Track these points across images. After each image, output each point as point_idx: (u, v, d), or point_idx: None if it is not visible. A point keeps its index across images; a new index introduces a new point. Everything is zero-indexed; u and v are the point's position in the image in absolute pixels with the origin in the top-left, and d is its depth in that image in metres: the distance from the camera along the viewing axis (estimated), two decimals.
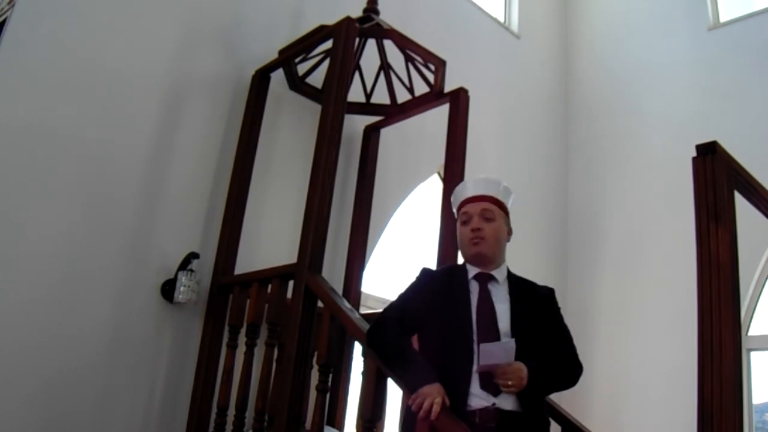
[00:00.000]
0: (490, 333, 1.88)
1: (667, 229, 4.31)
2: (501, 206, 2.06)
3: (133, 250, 2.79)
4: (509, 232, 2.10)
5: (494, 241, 2.01)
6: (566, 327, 2.05)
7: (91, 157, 2.73)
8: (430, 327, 1.98)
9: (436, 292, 1.99)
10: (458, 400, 1.80)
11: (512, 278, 2.06)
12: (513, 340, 1.84)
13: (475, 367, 1.84)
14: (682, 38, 4.84)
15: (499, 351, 1.81)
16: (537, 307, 2.00)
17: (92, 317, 2.63)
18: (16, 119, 2.56)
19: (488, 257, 2.01)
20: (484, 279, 2.00)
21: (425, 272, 2.10)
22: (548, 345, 1.97)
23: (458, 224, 2.08)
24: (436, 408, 1.70)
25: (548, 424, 1.95)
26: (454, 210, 2.14)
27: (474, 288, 1.99)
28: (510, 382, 1.79)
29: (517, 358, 1.83)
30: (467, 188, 2.10)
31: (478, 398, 1.82)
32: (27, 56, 2.62)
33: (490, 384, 1.81)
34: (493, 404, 1.81)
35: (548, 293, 2.07)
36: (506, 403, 1.81)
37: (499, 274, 2.03)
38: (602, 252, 4.70)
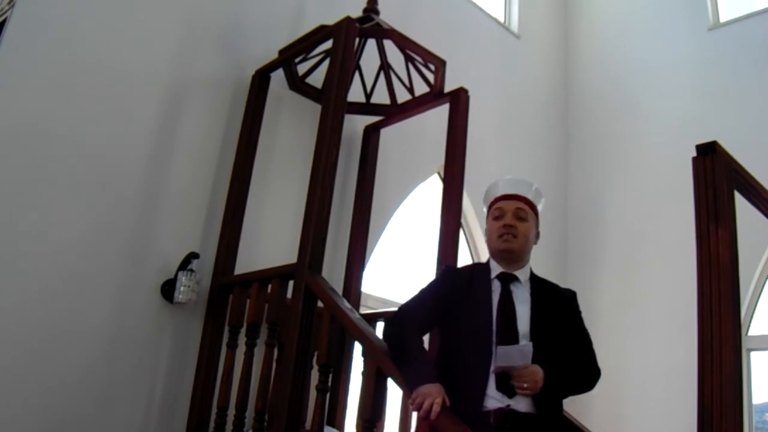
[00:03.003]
0: (509, 334, 1.88)
1: (667, 229, 4.31)
2: (533, 208, 2.07)
3: (133, 250, 2.79)
4: (537, 235, 2.10)
5: (524, 240, 2.02)
6: (586, 331, 2.04)
7: (91, 157, 2.73)
8: (449, 325, 1.99)
9: (456, 290, 1.99)
10: (474, 401, 1.81)
11: (535, 279, 2.05)
12: (530, 343, 1.84)
13: (492, 368, 1.84)
14: (682, 38, 4.84)
15: (516, 354, 1.81)
16: (558, 309, 1.99)
17: (92, 317, 2.63)
18: (16, 119, 2.56)
19: (516, 254, 2.01)
20: (507, 279, 2.00)
21: (447, 270, 2.13)
22: (567, 348, 1.95)
23: (489, 219, 2.08)
24: (436, 408, 1.71)
25: (562, 427, 1.95)
26: (485, 208, 2.14)
27: (496, 287, 1.99)
28: (525, 385, 1.80)
29: (535, 360, 1.83)
30: (502, 186, 2.10)
31: (494, 399, 1.82)
32: (27, 56, 2.62)
33: (506, 385, 1.82)
34: (508, 406, 1.81)
35: (570, 296, 2.06)
36: (521, 404, 1.82)
37: (522, 274, 2.02)
38: (602, 252, 4.70)
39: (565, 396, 1.97)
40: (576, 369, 1.96)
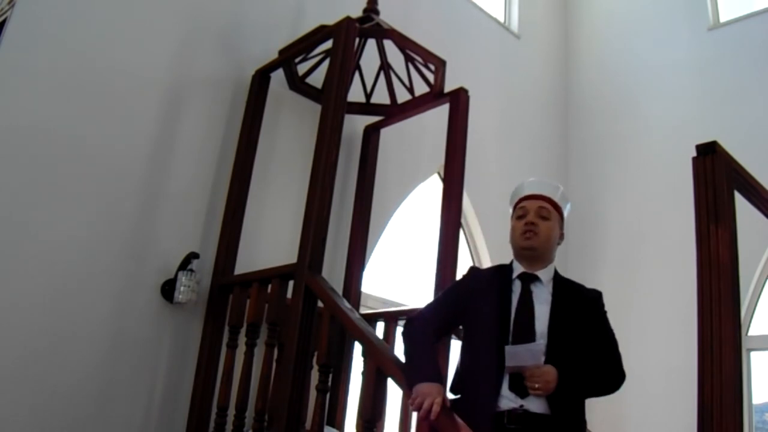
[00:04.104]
0: (526, 334, 1.86)
1: (667, 230, 4.31)
2: (557, 209, 2.06)
3: (133, 250, 2.79)
4: (561, 236, 2.09)
5: (546, 238, 2.00)
6: (611, 332, 2.00)
7: (91, 157, 2.73)
8: (468, 325, 2.00)
9: (477, 291, 1.99)
10: (488, 401, 1.81)
11: (558, 279, 2.03)
12: (541, 342, 1.82)
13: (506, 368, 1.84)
14: (682, 38, 4.84)
15: (524, 353, 1.80)
16: (580, 309, 1.95)
17: (92, 317, 2.63)
18: (16, 119, 2.56)
19: (538, 252, 2.00)
20: (528, 279, 1.99)
21: (470, 271, 2.13)
22: (589, 348, 1.92)
23: (512, 219, 2.08)
24: (435, 408, 1.70)
25: (582, 428, 1.92)
26: (510, 209, 2.14)
27: (516, 287, 1.98)
28: (537, 385, 1.78)
29: (552, 360, 1.81)
30: (527, 187, 2.10)
31: (507, 399, 1.81)
32: (27, 56, 2.62)
33: (519, 386, 1.81)
34: (521, 406, 1.80)
35: (595, 296, 2.03)
36: (534, 405, 1.80)
37: (545, 274, 2.00)
38: (602, 252, 4.70)
39: (584, 397, 1.93)
40: (596, 370, 1.92)
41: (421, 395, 1.74)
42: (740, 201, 1.72)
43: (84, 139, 2.72)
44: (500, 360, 1.82)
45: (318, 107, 2.88)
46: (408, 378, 1.85)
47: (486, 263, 4.24)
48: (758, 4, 4.59)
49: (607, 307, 2.03)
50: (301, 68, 3.34)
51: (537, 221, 2.01)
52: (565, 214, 2.10)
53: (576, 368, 1.86)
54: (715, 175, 1.63)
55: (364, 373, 2.05)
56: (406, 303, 3.80)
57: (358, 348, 2.98)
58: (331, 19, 2.94)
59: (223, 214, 3.03)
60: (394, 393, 2.29)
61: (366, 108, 3.56)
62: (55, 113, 2.66)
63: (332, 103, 2.65)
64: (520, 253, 2.03)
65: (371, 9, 3.31)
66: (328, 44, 2.96)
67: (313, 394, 2.29)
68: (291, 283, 2.51)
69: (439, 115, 3.33)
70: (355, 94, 3.43)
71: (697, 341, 1.54)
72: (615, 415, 4.08)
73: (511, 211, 2.13)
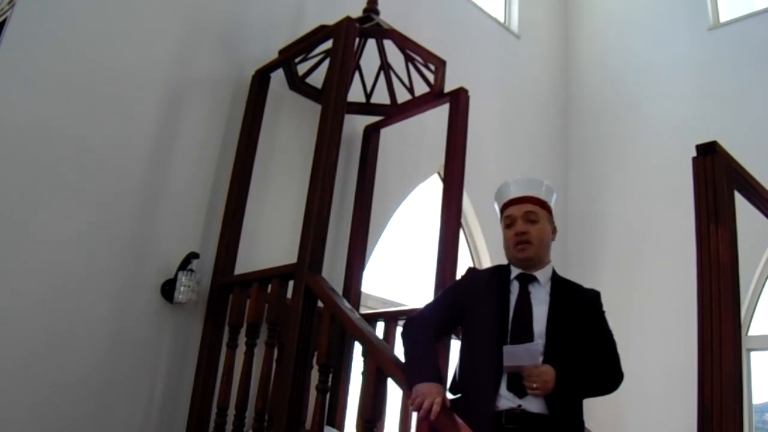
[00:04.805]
0: (524, 334, 1.86)
1: (667, 229, 4.31)
2: (544, 206, 2.04)
3: (133, 250, 2.79)
4: (554, 231, 2.08)
5: (539, 242, 1.99)
6: (609, 332, 1.99)
7: (92, 158, 2.73)
8: (467, 326, 2.00)
9: (475, 291, 1.99)
10: (487, 401, 1.81)
11: (556, 279, 2.02)
12: (539, 342, 1.82)
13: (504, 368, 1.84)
14: (682, 38, 4.84)
15: (522, 353, 1.80)
16: (578, 309, 1.95)
17: (92, 317, 2.63)
18: (16, 119, 2.56)
19: (534, 260, 1.99)
20: (526, 280, 1.99)
21: (468, 272, 2.13)
22: (587, 349, 1.92)
23: (502, 227, 2.07)
24: (435, 408, 1.70)
25: (580, 428, 1.91)
26: (497, 210, 2.12)
27: (514, 288, 1.98)
28: (534, 385, 1.78)
29: (551, 360, 1.81)
30: (509, 190, 2.07)
31: (505, 399, 1.81)
32: (27, 56, 2.62)
33: (517, 385, 1.81)
34: (519, 406, 1.80)
35: (593, 296, 2.02)
36: (532, 405, 1.80)
37: (542, 275, 2.00)
38: (602, 252, 4.70)
39: (582, 397, 1.93)
40: (594, 370, 1.92)
41: (421, 395, 1.74)
42: (740, 201, 1.72)
43: (84, 139, 2.72)
44: (498, 360, 1.83)
45: (318, 107, 2.88)
46: (408, 378, 1.85)
47: (486, 263, 4.24)
48: (758, 4, 4.59)
49: (606, 307, 2.03)
50: (301, 68, 3.34)
51: (527, 228, 1.99)
52: (552, 205, 2.09)
53: (574, 368, 1.86)
54: (715, 175, 1.63)
55: (364, 373, 2.06)
56: (406, 303, 3.80)
57: (358, 348, 2.98)
58: (331, 19, 2.94)
59: (223, 214, 3.03)
60: (394, 393, 2.29)
61: (366, 108, 3.56)
62: (55, 113, 2.66)
63: (332, 103, 2.65)
64: (516, 264, 2.02)
65: (371, 9, 3.31)
66: (328, 44, 2.96)
67: (313, 394, 2.29)
68: (291, 283, 2.51)
69: (439, 115, 3.33)
70: (355, 94, 3.43)
71: (697, 341, 1.54)
72: (615, 415, 4.08)
73: (498, 212, 2.11)
